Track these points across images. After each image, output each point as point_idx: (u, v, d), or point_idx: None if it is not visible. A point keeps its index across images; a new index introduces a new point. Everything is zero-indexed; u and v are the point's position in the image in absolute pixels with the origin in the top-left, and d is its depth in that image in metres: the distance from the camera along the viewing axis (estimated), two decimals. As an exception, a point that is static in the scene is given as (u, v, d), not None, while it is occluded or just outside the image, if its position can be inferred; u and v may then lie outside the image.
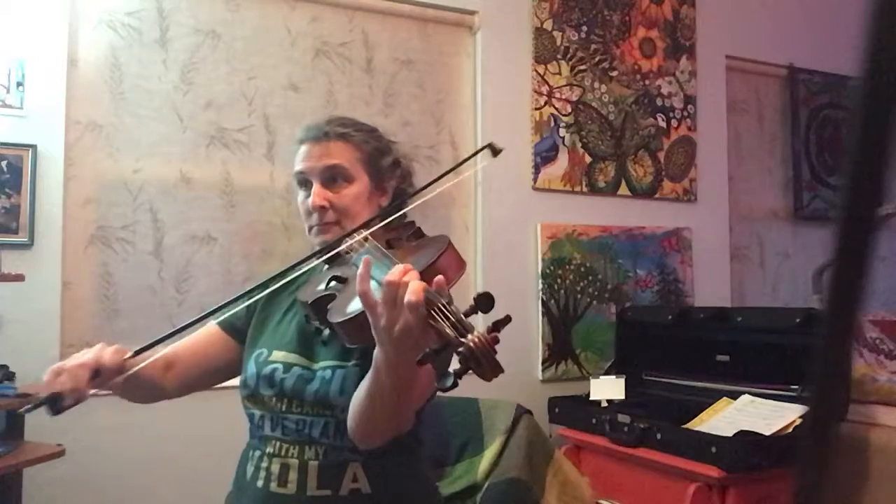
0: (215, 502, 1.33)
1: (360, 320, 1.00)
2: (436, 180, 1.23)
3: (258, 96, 2.47)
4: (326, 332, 1.23)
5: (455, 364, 0.84)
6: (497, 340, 0.84)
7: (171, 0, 2.36)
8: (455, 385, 0.84)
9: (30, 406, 0.97)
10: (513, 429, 1.90)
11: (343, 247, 1.17)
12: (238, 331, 1.35)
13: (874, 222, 0.37)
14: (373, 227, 1.18)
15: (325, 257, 1.16)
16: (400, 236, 1.25)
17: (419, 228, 1.30)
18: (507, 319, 0.86)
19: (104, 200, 2.27)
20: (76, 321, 2.21)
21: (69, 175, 2.21)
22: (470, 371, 0.83)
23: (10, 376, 1.97)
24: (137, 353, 1.07)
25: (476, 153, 1.31)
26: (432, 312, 0.88)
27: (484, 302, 0.88)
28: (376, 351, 0.97)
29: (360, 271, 0.95)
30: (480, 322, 0.83)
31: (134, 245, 2.29)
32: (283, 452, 1.18)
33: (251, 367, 1.26)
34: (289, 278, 1.14)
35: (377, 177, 1.30)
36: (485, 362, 0.82)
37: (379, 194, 1.32)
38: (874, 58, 0.36)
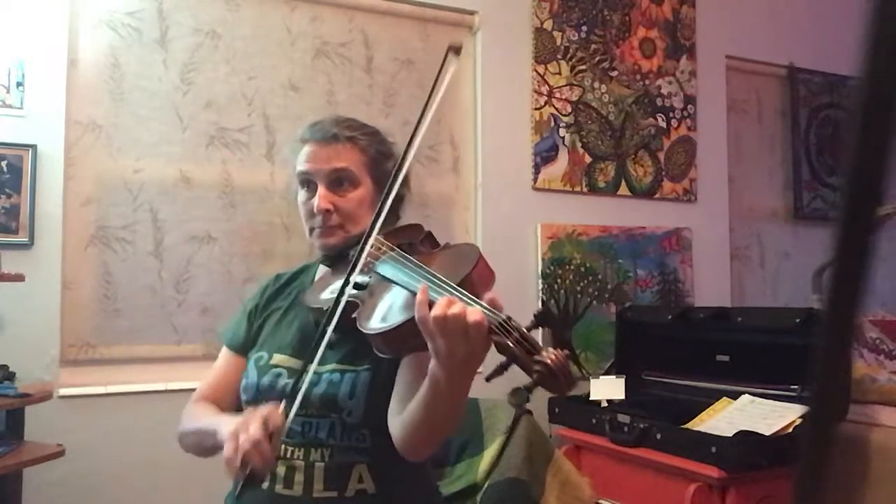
0: (215, 502, 1.33)
1: (397, 333, 0.99)
2: (418, 123, 1.15)
3: (258, 96, 2.47)
4: (334, 336, 1.21)
5: (525, 378, 0.85)
6: (570, 357, 0.85)
7: (171, 0, 2.36)
8: (528, 401, 0.85)
9: (236, 492, 1.01)
10: (513, 429, 1.90)
11: (365, 254, 1.13)
12: (246, 346, 1.34)
13: (874, 222, 0.37)
14: (380, 218, 1.14)
15: (358, 268, 1.11)
16: (412, 241, 1.23)
17: (430, 233, 1.28)
18: (568, 337, 0.89)
19: (104, 200, 2.27)
20: (76, 321, 2.21)
21: (69, 175, 2.21)
22: (541, 387, 0.84)
23: (10, 376, 1.97)
24: (288, 403, 1.05)
25: (444, 62, 1.18)
26: (494, 329, 0.88)
27: (543, 318, 0.90)
28: (434, 367, 0.95)
29: (419, 297, 0.93)
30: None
31: (134, 245, 2.29)
32: (287, 455, 1.17)
33: (252, 373, 1.26)
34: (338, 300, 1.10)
35: (380, 181, 1.29)
36: (562, 378, 0.83)
37: (381, 199, 1.31)
38: (874, 58, 0.36)
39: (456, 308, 0.89)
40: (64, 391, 2.13)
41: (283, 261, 2.40)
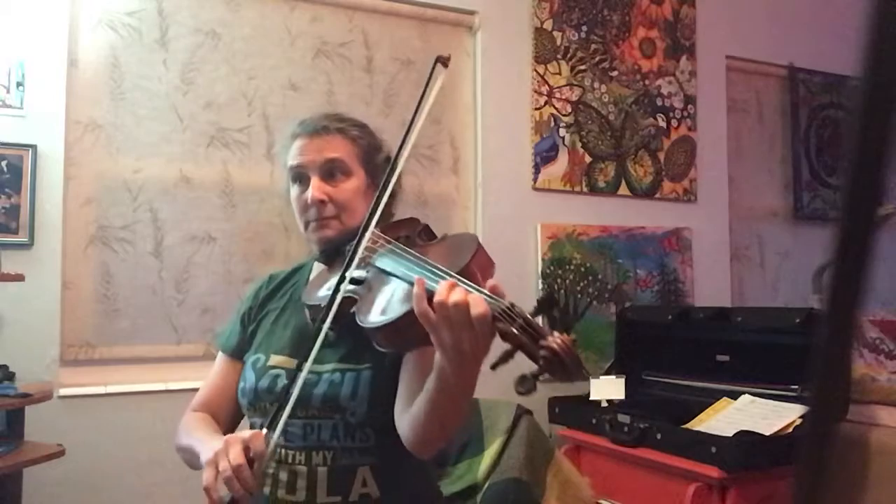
0: (215, 502, 1.32)
1: (397, 326, 0.97)
2: (409, 128, 1.18)
3: (258, 96, 2.47)
4: (332, 334, 1.18)
5: (531, 364, 0.83)
6: (575, 341, 0.82)
7: (171, 0, 2.36)
8: (535, 389, 0.82)
9: None
10: (513, 429, 1.90)
11: (362, 248, 1.11)
12: (241, 350, 1.33)
13: (874, 222, 0.37)
14: (377, 213, 1.13)
15: (355, 262, 1.08)
16: (410, 234, 1.22)
17: (427, 226, 1.27)
18: (576, 319, 0.85)
19: (104, 200, 2.27)
20: (76, 321, 2.21)
21: (69, 175, 2.21)
22: (548, 373, 0.81)
23: (10, 376, 1.97)
24: (270, 427, 1.03)
25: (431, 73, 1.23)
26: (498, 316, 0.86)
27: (547, 303, 0.86)
28: (440, 360, 0.92)
29: (415, 291, 0.90)
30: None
31: (134, 245, 2.29)
32: (289, 460, 1.15)
33: (249, 375, 1.25)
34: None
35: (372, 173, 1.30)
36: (569, 363, 0.80)
37: (373, 190, 1.28)
38: (874, 58, 0.36)
39: (457, 296, 0.86)
40: (64, 391, 2.13)
41: (283, 261, 2.40)
